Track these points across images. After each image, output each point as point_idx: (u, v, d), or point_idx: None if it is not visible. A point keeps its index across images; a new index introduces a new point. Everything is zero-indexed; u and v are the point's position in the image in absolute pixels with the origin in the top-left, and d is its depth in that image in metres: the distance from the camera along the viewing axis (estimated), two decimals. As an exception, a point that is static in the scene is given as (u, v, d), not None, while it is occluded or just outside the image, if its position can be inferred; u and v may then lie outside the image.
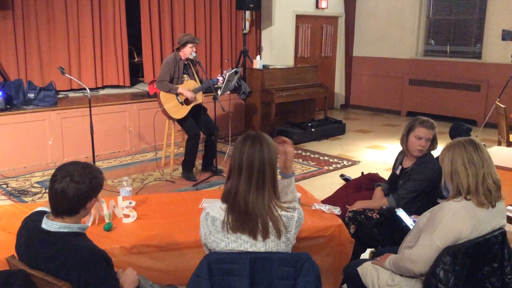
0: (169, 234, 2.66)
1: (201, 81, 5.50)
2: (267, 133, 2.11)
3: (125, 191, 3.05)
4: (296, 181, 5.27)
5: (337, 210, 2.99)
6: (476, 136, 6.75)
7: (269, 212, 1.94)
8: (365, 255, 3.25)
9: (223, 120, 6.97)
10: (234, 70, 5.55)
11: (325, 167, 6.14)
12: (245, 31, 8.12)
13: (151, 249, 2.57)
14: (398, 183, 3.23)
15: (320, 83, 8.54)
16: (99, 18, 6.87)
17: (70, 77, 5.29)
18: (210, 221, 2.00)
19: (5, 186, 5.18)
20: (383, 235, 3.04)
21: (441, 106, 9.18)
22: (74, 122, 5.96)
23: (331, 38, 10.07)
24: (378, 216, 3.11)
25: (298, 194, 2.96)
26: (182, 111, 5.34)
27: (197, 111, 5.40)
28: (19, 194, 4.94)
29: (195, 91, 5.33)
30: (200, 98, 5.41)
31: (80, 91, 6.85)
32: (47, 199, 1.97)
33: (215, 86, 5.40)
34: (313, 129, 7.55)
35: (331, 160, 6.48)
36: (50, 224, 1.91)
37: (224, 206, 2.00)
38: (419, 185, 3.09)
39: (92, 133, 4.68)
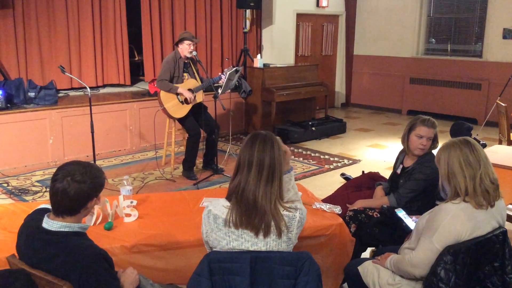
0: (170, 233, 2.66)
1: (201, 80, 5.49)
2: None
3: (126, 190, 3.05)
4: (296, 180, 5.27)
5: (337, 209, 2.99)
6: (477, 134, 6.74)
7: (274, 210, 1.95)
8: (366, 254, 3.25)
9: (224, 118, 6.96)
10: (234, 68, 5.54)
11: (326, 166, 6.14)
12: (245, 30, 8.12)
13: (152, 248, 2.57)
14: (399, 182, 3.22)
15: (321, 81, 8.53)
16: (100, 17, 6.87)
17: (71, 76, 5.29)
18: (212, 218, 2.01)
19: (5, 185, 5.18)
20: (384, 234, 3.04)
21: (442, 104, 9.17)
22: (75, 121, 5.97)
23: (331, 36, 10.06)
24: (378, 215, 3.10)
25: (299, 193, 2.96)
26: (182, 110, 5.33)
27: (198, 110, 5.39)
28: (19, 193, 4.94)
29: (196, 90, 5.33)
30: (200, 96, 5.41)
31: (81, 90, 6.85)
32: (47, 198, 1.97)
33: (216, 84, 5.40)
34: (313, 128, 7.55)
35: (331, 159, 6.48)
36: (51, 224, 1.91)
37: (227, 204, 2.01)
38: (420, 184, 3.09)
39: (92, 132, 4.68)
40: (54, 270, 1.85)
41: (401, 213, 2.87)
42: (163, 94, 5.29)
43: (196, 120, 5.39)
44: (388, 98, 10.05)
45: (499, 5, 8.34)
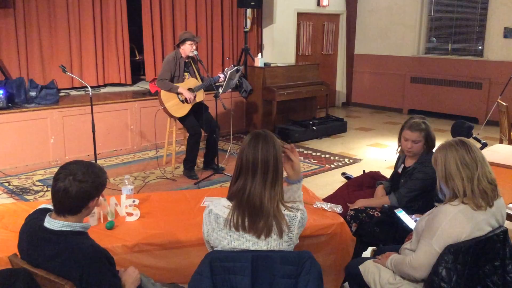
0: (171, 233, 2.67)
1: (202, 79, 5.49)
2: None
3: (127, 189, 3.05)
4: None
5: (338, 209, 2.99)
6: (478, 134, 6.73)
7: (276, 210, 1.95)
8: (367, 253, 3.25)
9: (225, 118, 6.97)
10: (235, 68, 5.54)
11: (327, 165, 6.14)
12: (246, 29, 8.12)
13: (153, 247, 2.57)
14: (400, 182, 3.23)
15: (322, 81, 8.53)
16: (100, 16, 6.87)
17: (72, 75, 5.30)
18: (213, 218, 2.00)
19: (7, 184, 5.19)
20: (385, 233, 3.04)
21: (443, 104, 9.16)
22: (76, 120, 5.97)
23: (332, 36, 10.06)
24: (379, 215, 3.10)
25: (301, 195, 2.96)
26: (183, 110, 5.34)
27: (199, 109, 5.39)
28: (21, 192, 4.95)
29: (196, 89, 5.33)
30: (201, 96, 5.41)
31: (82, 89, 6.85)
32: (49, 197, 1.98)
33: (216, 84, 5.39)
34: (314, 127, 7.55)
35: (332, 158, 6.48)
36: (52, 223, 1.92)
37: (228, 203, 2.00)
38: (421, 183, 3.09)
39: (93, 131, 4.68)
40: (55, 269, 1.85)
41: (400, 213, 2.87)
42: (163, 93, 5.29)
43: (196, 119, 5.39)
44: (389, 97, 10.05)
45: (500, 4, 8.34)
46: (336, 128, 7.96)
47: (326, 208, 2.99)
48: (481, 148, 3.80)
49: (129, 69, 7.30)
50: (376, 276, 2.42)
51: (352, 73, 10.56)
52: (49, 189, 2.74)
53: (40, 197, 4.83)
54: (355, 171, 5.56)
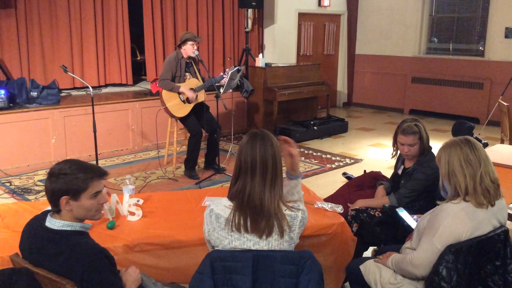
0: (172, 232, 2.67)
1: (203, 80, 5.50)
2: (269, 131, 2.11)
3: (128, 189, 3.06)
4: (298, 179, 5.28)
5: (339, 208, 2.99)
6: (479, 134, 6.74)
7: (278, 210, 1.95)
8: (368, 253, 3.25)
9: (226, 118, 6.97)
10: (236, 68, 5.54)
11: (328, 165, 6.14)
12: (247, 29, 8.12)
13: (154, 247, 2.57)
14: (400, 183, 3.23)
15: (323, 81, 8.53)
16: (102, 17, 6.88)
17: (73, 75, 5.30)
18: (214, 218, 2.00)
19: (8, 184, 5.20)
20: (386, 233, 3.04)
21: (444, 104, 9.16)
22: (77, 120, 5.98)
23: (333, 36, 10.06)
24: (380, 215, 3.11)
25: (301, 192, 2.96)
26: (184, 110, 5.34)
27: (200, 109, 5.40)
28: (22, 192, 4.95)
29: (197, 89, 5.34)
30: (202, 96, 5.42)
31: (83, 90, 6.87)
32: (50, 197, 1.98)
33: (217, 84, 5.40)
34: (315, 127, 7.55)
35: (333, 158, 6.48)
36: (53, 222, 1.93)
37: (229, 203, 2.00)
38: (421, 184, 3.09)
39: (95, 131, 4.69)
40: (56, 269, 1.86)
41: (402, 213, 2.87)
42: (165, 93, 5.29)
43: (198, 119, 5.40)
44: (390, 98, 10.04)
45: (501, 4, 8.33)
46: (337, 128, 7.96)
47: (327, 208, 2.99)
48: (483, 148, 3.79)
49: (130, 69, 7.30)
50: (377, 276, 2.42)
51: (353, 73, 10.55)
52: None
53: (41, 197, 4.84)
54: (356, 171, 5.56)
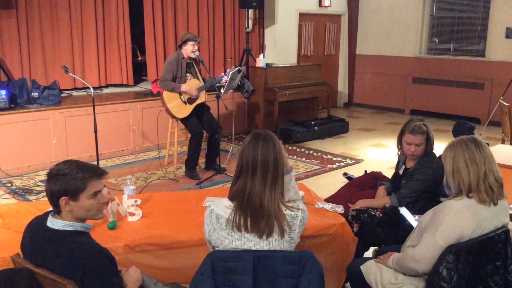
0: (173, 233, 2.67)
1: (204, 80, 5.50)
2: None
3: (129, 190, 3.06)
4: (299, 180, 5.28)
5: (340, 209, 2.99)
6: (480, 134, 6.74)
7: (278, 210, 1.95)
8: (368, 253, 3.25)
9: (226, 118, 6.97)
10: (237, 68, 5.54)
11: (328, 165, 6.14)
12: (248, 30, 8.12)
13: (155, 247, 2.58)
14: (401, 183, 3.23)
15: (323, 81, 8.53)
16: (103, 17, 6.89)
17: (74, 76, 5.31)
18: (214, 218, 2.01)
19: (9, 184, 5.21)
20: (386, 233, 3.04)
21: (445, 104, 9.16)
22: (78, 121, 5.99)
23: (334, 36, 10.06)
24: (381, 215, 3.11)
25: (301, 193, 2.96)
26: (185, 110, 5.34)
27: (200, 110, 5.40)
28: (23, 193, 4.96)
29: (198, 90, 5.34)
30: (203, 96, 5.42)
31: (84, 90, 6.87)
32: (51, 197, 1.98)
33: (218, 84, 5.40)
34: (316, 128, 7.55)
35: (334, 158, 6.48)
36: (54, 222, 1.93)
37: (229, 204, 2.00)
38: (422, 185, 3.09)
39: (96, 132, 4.70)
40: (57, 269, 1.86)
41: (404, 211, 2.88)
42: (166, 94, 5.30)
43: (198, 120, 5.40)
44: (391, 98, 10.04)
45: (502, 4, 8.33)
46: (338, 128, 7.96)
47: (327, 208, 2.99)
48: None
49: (131, 70, 7.31)
50: (377, 276, 2.43)
51: (354, 73, 10.55)
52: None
53: (43, 197, 4.84)
54: (356, 172, 5.56)
